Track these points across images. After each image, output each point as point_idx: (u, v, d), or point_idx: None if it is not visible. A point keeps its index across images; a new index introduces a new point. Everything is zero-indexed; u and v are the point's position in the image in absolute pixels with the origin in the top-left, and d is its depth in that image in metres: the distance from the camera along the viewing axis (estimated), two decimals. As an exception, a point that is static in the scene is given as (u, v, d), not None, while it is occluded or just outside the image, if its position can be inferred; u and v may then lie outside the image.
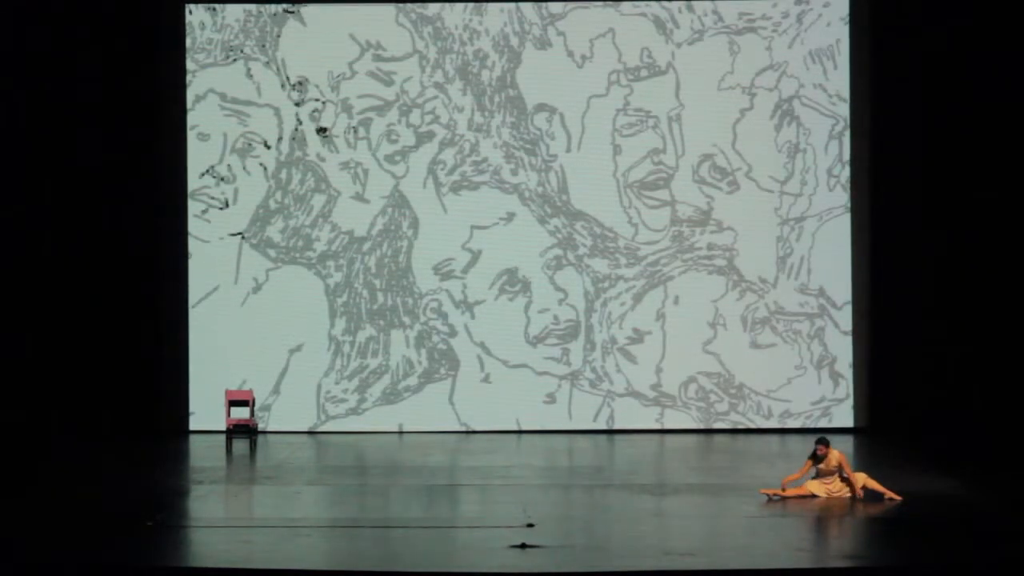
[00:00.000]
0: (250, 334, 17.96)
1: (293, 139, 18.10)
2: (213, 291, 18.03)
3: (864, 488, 13.27)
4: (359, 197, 18.08)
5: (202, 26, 18.09)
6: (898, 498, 13.17)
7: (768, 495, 13.35)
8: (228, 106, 18.09)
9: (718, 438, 17.60)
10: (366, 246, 18.06)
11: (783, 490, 13.35)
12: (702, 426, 17.91)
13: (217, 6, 18.09)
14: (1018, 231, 17.47)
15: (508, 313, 18.02)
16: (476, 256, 18.04)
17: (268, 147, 18.08)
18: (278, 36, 18.09)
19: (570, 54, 18.08)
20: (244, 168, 18.09)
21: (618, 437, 17.64)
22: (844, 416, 17.90)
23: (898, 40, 17.72)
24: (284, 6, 18.07)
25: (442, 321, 18.01)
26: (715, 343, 17.96)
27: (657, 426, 17.92)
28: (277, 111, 18.09)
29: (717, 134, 18.02)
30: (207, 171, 18.08)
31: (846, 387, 17.89)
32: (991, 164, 17.50)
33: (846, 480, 13.34)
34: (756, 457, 16.09)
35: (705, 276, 18.00)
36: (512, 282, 18.05)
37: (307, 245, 18.05)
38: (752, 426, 17.88)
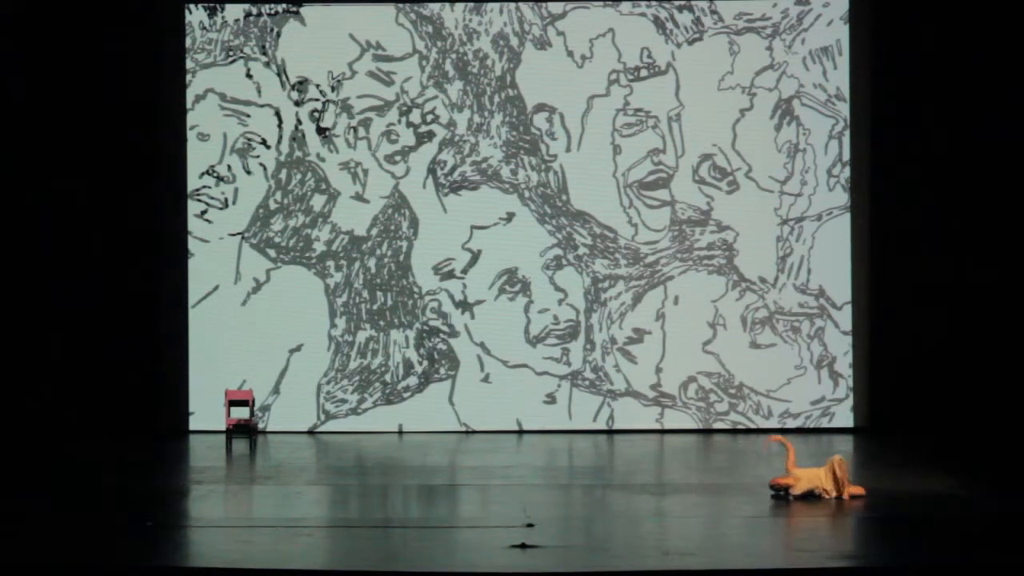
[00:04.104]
0: (250, 334, 17.96)
1: (293, 139, 18.10)
2: (213, 291, 18.04)
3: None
4: (359, 197, 18.08)
5: (202, 26, 18.09)
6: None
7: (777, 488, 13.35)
8: (228, 106, 18.09)
9: (718, 438, 17.61)
10: (366, 246, 18.06)
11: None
12: (702, 426, 17.92)
13: (217, 6, 18.09)
14: (1020, 231, 17.47)
15: (508, 313, 18.03)
16: (476, 256, 18.04)
17: (268, 147, 18.09)
18: (278, 36, 18.10)
19: (570, 54, 18.08)
20: (244, 168, 18.09)
21: (618, 437, 17.65)
22: (844, 416, 17.90)
23: (898, 40, 17.72)
24: (284, 5, 18.08)
25: (443, 321, 18.02)
26: (715, 343, 17.97)
27: (657, 426, 17.93)
28: (277, 111, 18.09)
29: (717, 134, 18.03)
30: (207, 171, 18.08)
31: (846, 387, 17.90)
32: (992, 163, 17.51)
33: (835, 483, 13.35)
34: (756, 457, 16.09)
35: (705, 276, 18.00)
36: (512, 282, 18.05)
37: (307, 245, 18.05)
38: (752, 426, 17.88)
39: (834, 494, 13.25)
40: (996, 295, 17.47)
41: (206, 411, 17.78)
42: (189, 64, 18.09)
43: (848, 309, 17.94)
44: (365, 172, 18.11)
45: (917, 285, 17.61)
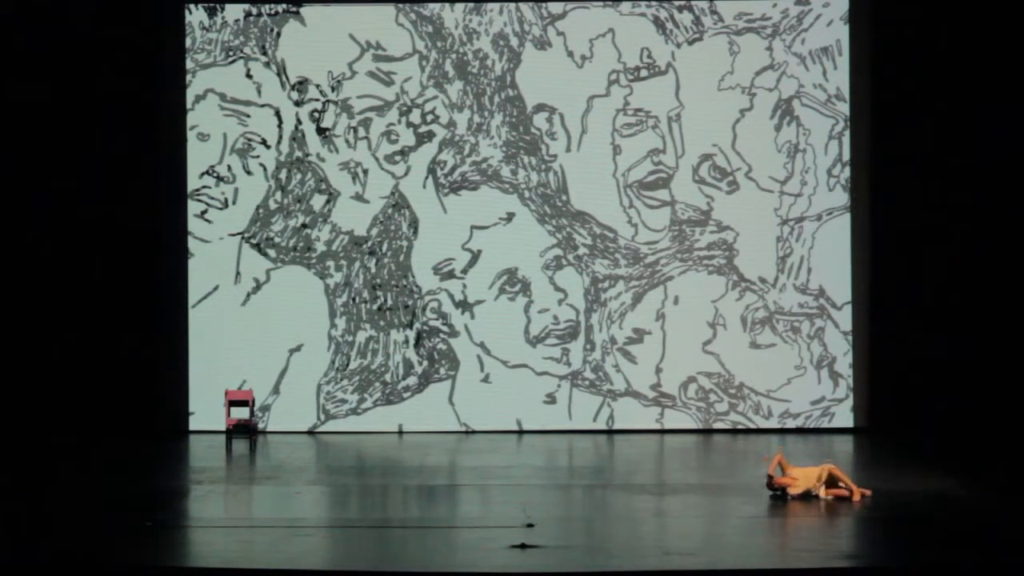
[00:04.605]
0: (250, 334, 17.96)
1: (293, 139, 18.10)
2: (213, 291, 18.04)
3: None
4: (359, 197, 18.08)
5: (202, 26, 18.09)
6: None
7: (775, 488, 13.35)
8: (228, 106, 18.09)
9: (718, 438, 17.61)
10: (366, 246, 18.06)
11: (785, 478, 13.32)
12: (702, 426, 17.92)
13: (217, 6, 18.09)
14: (1019, 231, 17.47)
15: (508, 313, 18.02)
16: (476, 256, 18.04)
17: (268, 147, 18.09)
18: (278, 36, 18.10)
19: (570, 54, 18.08)
20: (244, 168, 18.09)
21: (618, 437, 17.64)
22: (844, 416, 17.90)
23: (898, 40, 17.73)
24: (284, 5, 18.07)
25: (443, 321, 18.02)
26: (715, 343, 17.97)
27: (657, 426, 17.93)
28: (277, 111, 18.09)
29: (717, 134, 18.03)
30: (207, 171, 18.09)
31: (846, 387, 17.89)
32: (992, 163, 17.51)
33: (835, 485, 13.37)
34: (756, 457, 16.08)
35: (705, 276, 18.00)
36: (512, 282, 18.05)
37: (307, 245, 18.05)
38: (752, 426, 17.88)
39: (823, 495, 13.27)
40: (996, 295, 17.47)
41: (206, 411, 17.78)
42: (189, 64, 18.09)
43: (848, 309, 17.94)
44: (365, 172, 18.11)
45: (917, 285, 17.61)
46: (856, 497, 13.18)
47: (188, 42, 18.08)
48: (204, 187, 18.08)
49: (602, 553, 11.56)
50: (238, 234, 18.07)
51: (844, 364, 17.92)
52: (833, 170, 18.01)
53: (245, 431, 16.84)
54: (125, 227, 17.78)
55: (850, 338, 17.91)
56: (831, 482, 13.31)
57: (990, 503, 13.18)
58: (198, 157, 18.09)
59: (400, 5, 18.09)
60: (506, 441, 17.39)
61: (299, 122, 18.09)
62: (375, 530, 12.28)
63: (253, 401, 17.16)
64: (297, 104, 18.09)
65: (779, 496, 13.28)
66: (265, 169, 18.10)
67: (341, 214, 18.08)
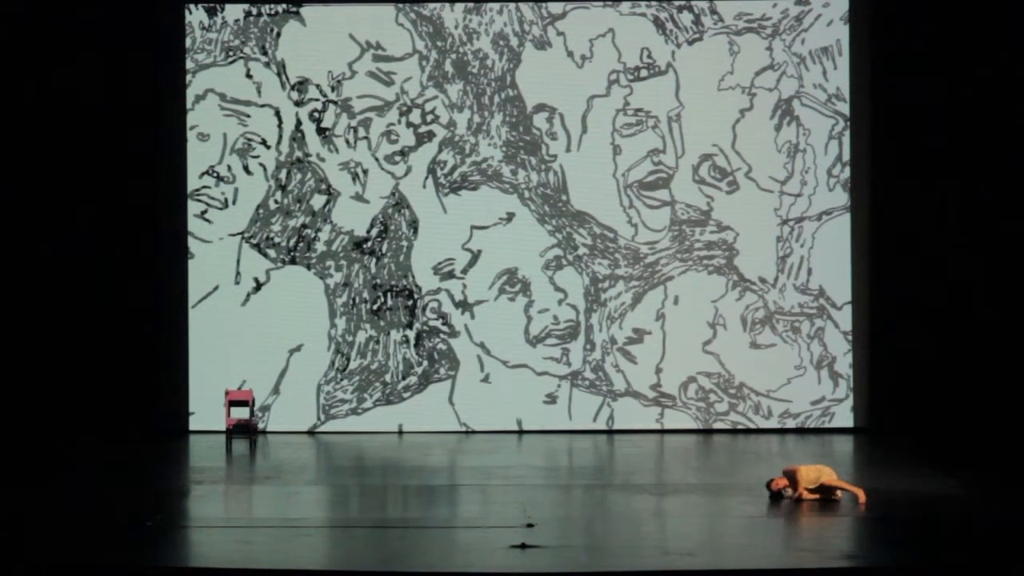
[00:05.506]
0: (250, 334, 17.96)
1: (293, 139, 18.10)
2: (213, 291, 18.04)
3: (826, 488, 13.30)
4: (359, 197, 18.09)
5: (202, 26, 18.09)
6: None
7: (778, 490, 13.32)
8: (228, 106, 18.09)
9: (718, 438, 17.61)
10: (366, 246, 18.06)
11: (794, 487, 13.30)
12: (702, 426, 17.92)
13: (217, 6, 18.09)
14: (1019, 231, 17.47)
15: (508, 313, 18.02)
16: (476, 256, 18.04)
17: (268, 147, 18.09)
18: (278, 36, 18.10)
19: (570, 54, 18.09)
20: (244, 168, 18.09)
21: (618, 437, 17.65)
22: (844, 416, 17.90)
23: (898, 40, 17.73)
24: (284, 6, 18.07)
25: (442, 321, 18.02)
26: (715, 343, 17.97)
27: (657, 426, 17.93)
28: (277, 111, 18.09)
29: (717, 134, 18.03)
30: (207, 171, 18.09)
31: (846, 387, 17.90)
32: (991, 163, 17.51)
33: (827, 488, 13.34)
34: (756, 457, 16.09)
35: (705, 276, 18.00)
36: (512, 282, 18.05)
37: (307, 245, 18.05)
38: (752, 426, 17.89)
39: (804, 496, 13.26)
40: (996, 295, 17.47)
41: (206, 411, 17.78)
42: (189, 64, 18.09)
43: (848, 309, 17.94)
44: (365, 172, 18.12)
45: (917, 285, 17.61)
46: (862, 499, 13.15)
47: (188, 42, 18.08)
48: (204, 187, 18.08)
49: (602, 553, 11.56)
50: (238, 234, 18.08)
51: (844, 364, 17.92)
52: (833, 170, 18.01)
53: (245, 431, 16.84)
54: (125, 227, 17.78)
55: (850, 338, 17.92)
56: (824, 489, 13.26)
57: (990, 503, 13.18)
58: (198, 157, 18.09)
59: (400, 5, 18.09)
60: (506, 441, 17.39)
61: (299, 122, 18.09)
62: (375, 530, 12.28)
63: (253, 401, 17.16)
64: (297, 104, 18.10)
65: (778, 496, 13.27)
66: (265, 169, 18.11)
67: (341, 214, 18.08)
